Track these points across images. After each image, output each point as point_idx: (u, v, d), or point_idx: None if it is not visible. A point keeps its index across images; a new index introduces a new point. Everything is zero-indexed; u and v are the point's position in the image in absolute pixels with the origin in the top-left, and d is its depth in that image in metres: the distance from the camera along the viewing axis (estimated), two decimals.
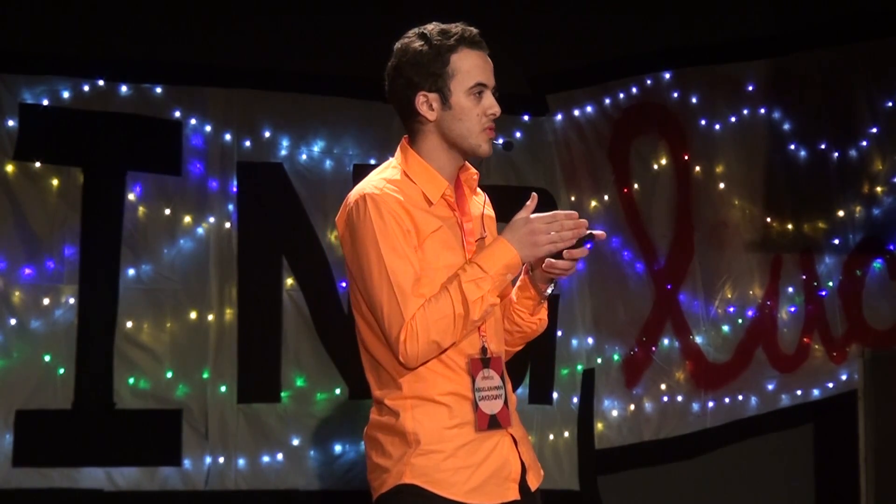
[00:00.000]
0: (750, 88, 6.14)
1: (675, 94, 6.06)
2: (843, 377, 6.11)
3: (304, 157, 5.52)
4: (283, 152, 5.50)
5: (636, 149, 6.01)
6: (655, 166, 6.02)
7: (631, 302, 5.94)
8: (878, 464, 5.61)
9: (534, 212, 2.75)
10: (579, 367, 5.82)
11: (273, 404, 5.39)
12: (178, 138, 5.36)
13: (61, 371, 5.15)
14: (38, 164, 5.18)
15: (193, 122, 5.38)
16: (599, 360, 5.87)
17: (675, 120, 6.05)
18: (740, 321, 6.06)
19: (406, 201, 2.73)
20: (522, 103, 5.80)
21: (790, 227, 6.18)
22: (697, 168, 6.06)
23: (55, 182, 5.20)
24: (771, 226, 6.16)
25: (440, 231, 2.76)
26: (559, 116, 5.91)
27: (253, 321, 5.38)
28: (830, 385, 6.13)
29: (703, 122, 6.08)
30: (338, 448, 5.45)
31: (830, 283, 6.16)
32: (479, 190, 2.98)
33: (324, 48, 5.50)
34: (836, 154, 6.20)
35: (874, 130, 6.18)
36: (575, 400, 5.81)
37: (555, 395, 5.78)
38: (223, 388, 5.33)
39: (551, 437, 5.75)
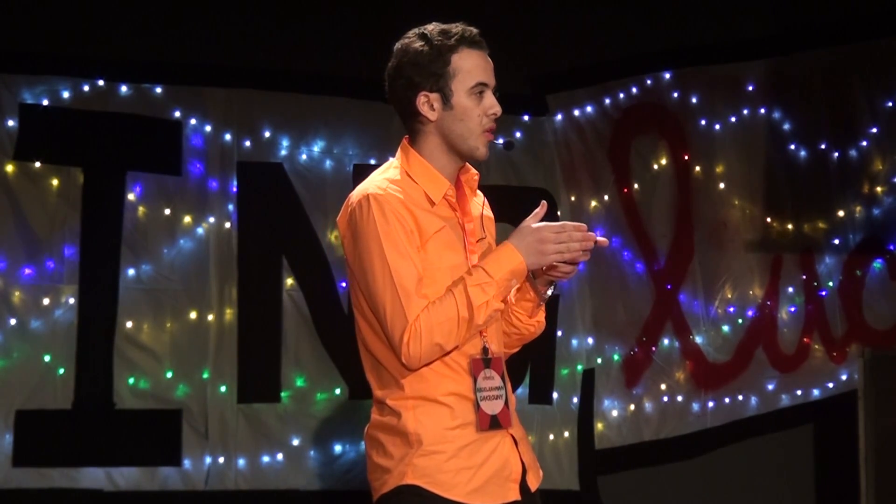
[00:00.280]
0: (750, 88, 6.14)
1: (675, 94, 6.06)
2: (843, 377, 6.11)
3: (304, 157, 5.52)
4: (283, 152, 5.50)
5: (636, 149, 6.01)
6: (655, 166, 6.02)
7: (631, 302, 5.94)
8: (878, 464, 5.60)
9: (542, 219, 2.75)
10: (579, 367, 5.82)
11: (273, 404, 5.39)
12: (178, 138, 5.36)
13: (61, 371, 5.15)
14: (38, 164, 5.18)
15: (193, 122, 5.38)
16: (599, 360, 5.87)
17: (675, 120, 6.05)
18: (740, 321, 6.06)
19: (409, 201, 2.73)
20: (522, 103, 5.80)
21: (790, 227, 6.18)
22: (697, 168, 6.06)
23: (55, 182, 5.21)
24: (771, 226, 6.16)
25: (443, 231, 2.76)
26: (559, 116, 5.91)
27: (253, 321, 5.38)
28: (830, 385, 6.13)
29: (703, 122, 6.08)
30: (338, 448, 5.45)
31: (830, 283, 6.16)
32: (478, 191, 2.98)
33: (324, 48, 5.50)
34: (836, 154, 6.20)
35: (874, 130, 6.18)
36: (575, 400, 5.81)
37: (555, 395, 5.78)
38: (223, 388, 5.33)
39: (551, 437, 5.75)
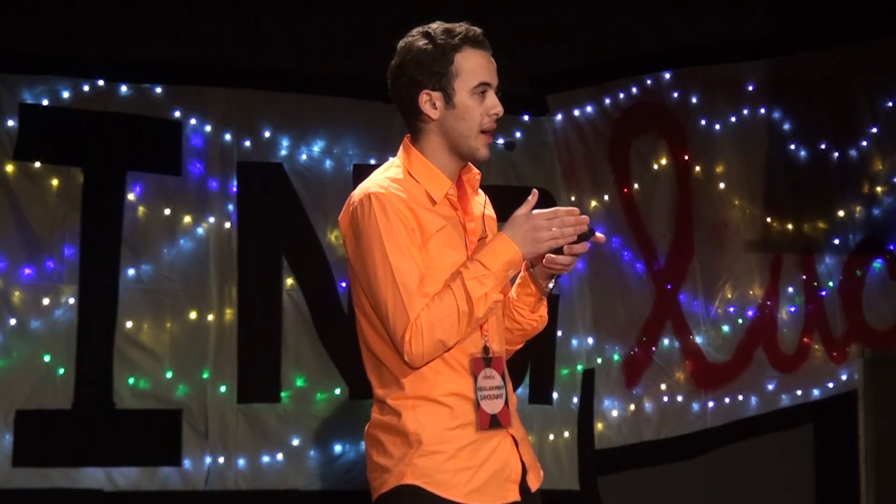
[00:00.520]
0: (750, 88, 6.14)
1: (675, 94, 6.06)
2: (843, 377, 6.12)
3: (304, 157, 5.52)
4: (283, 152, 5.50)
5: (636, 149, 6.01)
6: (655, 166, 6.02)
7: (631, 302, 5.94)
8: (878, 464, 5.61)
9: (534, 208, 2.75)
10: (579, 367, 5.82)
11: (273, 404, 5.39)
12: (178, 138, 5.36)
13: (61, 371, 5.15)
14: (38, 164, 5.17)
15: (193, 122, 5.38)
16: (599, 360, 5.87)
17: (675, 120, 6.05)
18: (740, 321, 6.06)
19: (410, 200, 2.74)
20: (522, 103, 5.80)
21: (790, 227, 6.18)
22: (697, 168, 6.06)
23: (55, 182, 5.20)
24: (771, 226, 6.16)
25: (444, 230, 2.76)
26: (559, 116, 5.91)
27: (253, 321, 5.38)
28: (830, 385, 6.13)
29: (703, 122, 6.08)
30: (338, 448, 5.45)
31: (830, 283, 6.16)
32: (479, 190, 2.98)
33: (324, 48, 5.50)
34: (836, 154, 6.20)
35: (874, 130, 6.18)
36: (575, 400, 5.81)
37: (555, 395, 5.78)
38: (223, 388, 5.33)
39: (551, 437, 5.74)
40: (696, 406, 5.98)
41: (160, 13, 5.38)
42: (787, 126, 6.18)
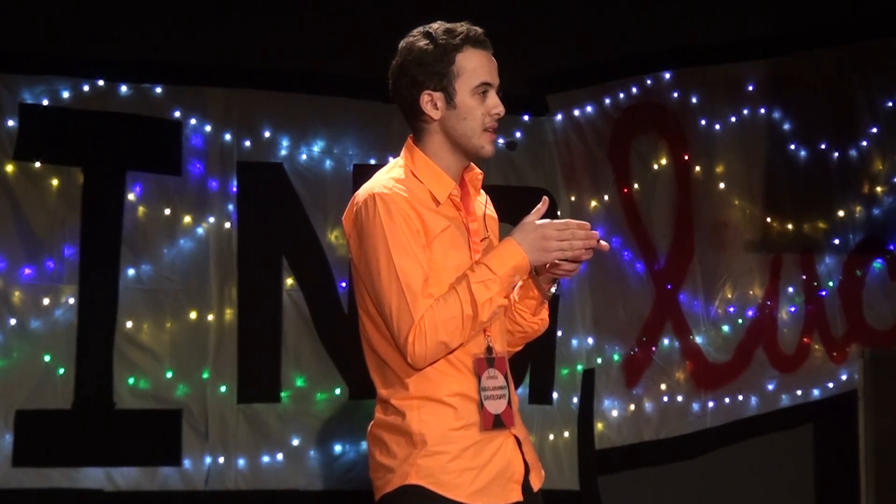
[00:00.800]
0: (750, 88, 6.14)
1: (675, 94, 6.06)
2: (843, 377, 6.11)
3: (304, 157, 5.52)
4: (283, 152, 5.50)
5: (636, 149, 6.00)
6: (655, 166, 6.02)
7: (631, 302, 5.94)
8: (878, 464, 5.60)
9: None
10: (579, 367, 5.82)
11: (273, 404, 5.39)
12: (178, 138, 5.36)
13: (61, 371, 5.15)
14: (38, 164, 5.18)
15: (193, 122, 5.38)
16: (599, 360, 5.87)
17: (675, 120, 6.05)
18: (740, 321, 6.06)
19: (414, 201, 2.74)
20: (522, 103, 5.80)
21: (790, 227, 6.18)
22: (697, 168, 6.06)
23: (55, 182, 5.21)
24: (771, 226, 6.15)
25: (448, 231, 2.76)
26: (559, 116, 5.91)
27: (253, 321, 5.38)
28: (830, 385, 6.13)
29: (703, 122, 6.08)
30: (338, 448, 5.45)
31: (830, 283, 6.16)
32: (481, 191, 2.98)
33: (324, 48, 5.50)
34: (836, 154, 6.20)
35: (874, 130, 6.18)
36: (575, 400, 5.81)
37: (555, 395, 5.78)
38: (223, 388, 5.33)
39: (551, 437, 5.74)
40: (696, 406, 5.98)
41: (160, 13, 5.38)
42: (787, 126, 6.18)
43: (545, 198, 2.79)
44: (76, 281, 5.18)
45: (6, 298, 5.12)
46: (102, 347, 5.20)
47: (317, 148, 5.55)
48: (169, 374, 5.28)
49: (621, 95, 6.00)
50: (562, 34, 5.85)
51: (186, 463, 5.26)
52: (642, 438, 5.92)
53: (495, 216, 3.00)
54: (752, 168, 6.13)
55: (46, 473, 5.09)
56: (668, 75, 6.05)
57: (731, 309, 6.06)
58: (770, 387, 6.07)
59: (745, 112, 6.14)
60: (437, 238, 2.74)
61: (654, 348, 5.93)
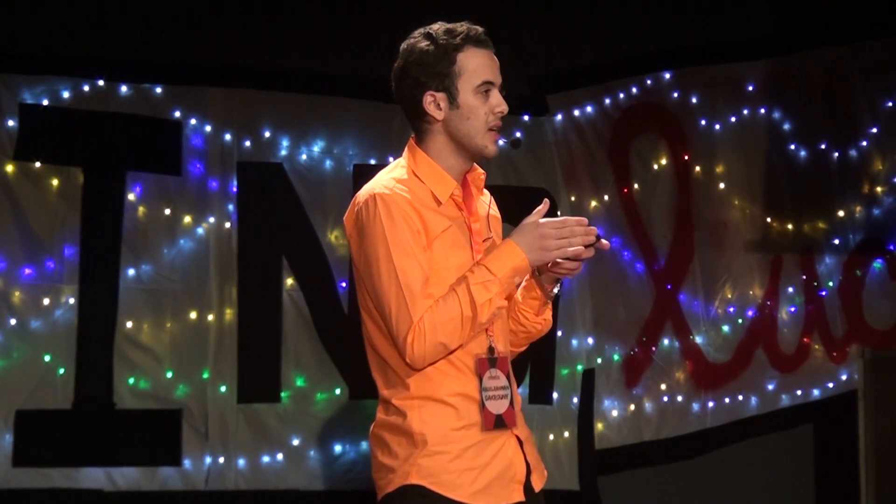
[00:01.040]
0: (750, 88, 6.14)
1: (675, 94, 6.06)
2: (843, 377, 6.11)
3: (304, 157, 5.52)
4: (283, 152, 5.50)
5: (636, 149, 6.00)
6: (655, 166, 6.02)
7: (631, 302, 5.94)
8: (878, 464, 5.61)
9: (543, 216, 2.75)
10: (579, 367, 5.82)
11: (273, 404, 5.39)
12: (178, 138, 5.36)
13: (61, 371, 5.15)
14: (38, 164, 5.18)
15: (193, 122, 5.38)
16: (599, 360, 5.87)
17: (675, 120, 6.05)
18: (740, 321, 6.06)
19: (415, 201, 2.74)
20: (522, 103, 5.80)
21: (790, 227, 6.18)
22: (697, 168, 6.06)
23: (55, 182, 5.20)
24: (771, 226, 6.15)
25: (449, 231, 2.76)
26: (559, 116, 5.91)
27: (253, 321, 5.38)
28: (830, 385, 6.13)
29: (703, 122, 6.08)
30: (338, 448, 5.45)
31: (830, 283, 6.16)
32: (484, 190, 2.98)
33: (324, 48, 5.50)
34: (836, 154, 6.20)
35: (874, 130, 6.18)
36: (575, 400, 5.81)
37: (555, 395, 5.78)
38: (223, 388, 5.33)
39: (551, 437, 5.74)
40: (696, 406, 5.98)
41: (160, 13, 5.38)
42: (787, 126, 6.18)
43: (546, 199, 2.79)
44: (76, 281, 5.18)
45: (6, 298, 5.12)
46: (102, 347, 5.20)
47: (317, 148, 5.55)
48: (169, 374, 5.28)
49: (621, 95, 6.00)
50: (562, 34, 5.85)
51: (186, 463, 5.26)
52: (642, 438, 5.92)
53: (499, 216, 3.00)
54: (752, 168, 6.13)
55: (46, 473, 5.09)
56: (668, 75, 6.05)
57: (731, 309, 6.06)
58: (770, 387, 6.07)
59: (745, 112, 6.14)
60: (439, 238, 2.74)
61: (654, 348, 5.93)
